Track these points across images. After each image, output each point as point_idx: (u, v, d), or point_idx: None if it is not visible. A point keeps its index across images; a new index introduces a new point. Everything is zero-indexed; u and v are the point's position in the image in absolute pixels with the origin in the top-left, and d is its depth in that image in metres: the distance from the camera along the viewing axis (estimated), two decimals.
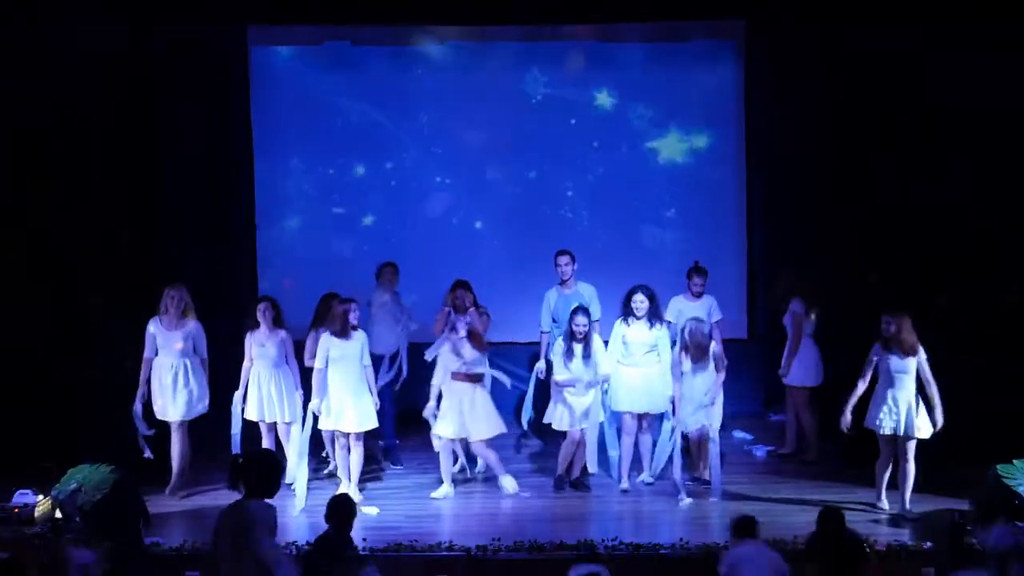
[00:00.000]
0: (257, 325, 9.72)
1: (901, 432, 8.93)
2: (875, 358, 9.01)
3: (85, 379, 10.39)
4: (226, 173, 11.37)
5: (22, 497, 8.99)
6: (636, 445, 9.85)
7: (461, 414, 9.46)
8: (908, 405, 8.90)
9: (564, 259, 10.36)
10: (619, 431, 9.88)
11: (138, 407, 9.67)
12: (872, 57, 10.61)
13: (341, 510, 7.11)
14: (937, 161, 10.53)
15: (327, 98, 11.97)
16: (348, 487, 9.41)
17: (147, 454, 9.70)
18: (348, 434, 9.47)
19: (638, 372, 9.70)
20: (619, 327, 9.78)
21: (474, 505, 9.52)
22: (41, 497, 9.02)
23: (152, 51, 10.76)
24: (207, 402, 9.83)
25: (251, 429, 9.88)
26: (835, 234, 10.89)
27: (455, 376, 9.50)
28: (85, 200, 10.64)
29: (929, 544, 8.20)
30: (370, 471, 10.19)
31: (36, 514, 8.90)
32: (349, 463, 9.51)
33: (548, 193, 12.08)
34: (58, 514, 8.89)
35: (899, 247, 10.65)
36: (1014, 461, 8.59)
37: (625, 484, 9.79)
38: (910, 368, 8.91)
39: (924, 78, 10.44)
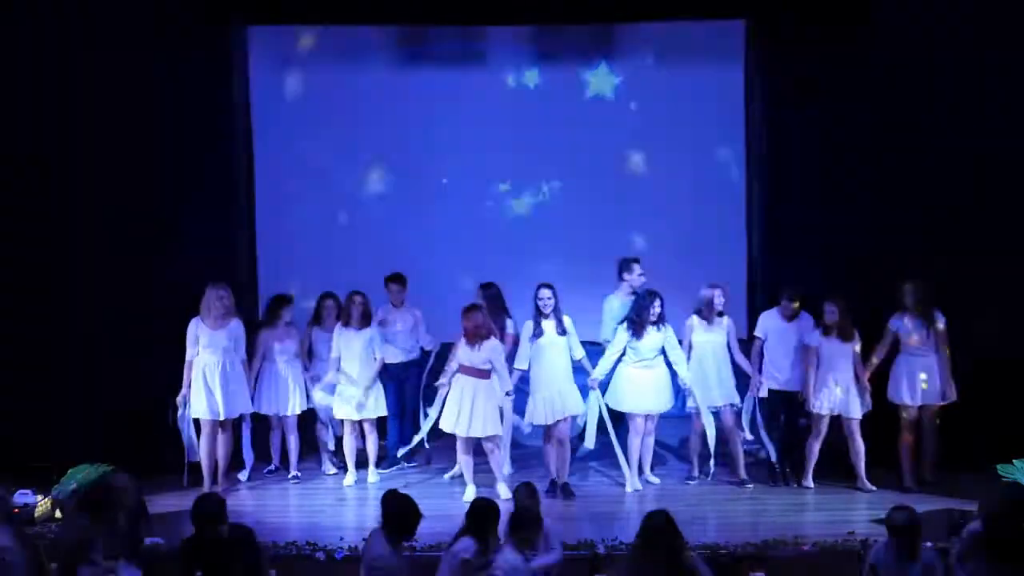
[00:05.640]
0: (273, 322, 10.15)
1: (839, 412, 9.70)
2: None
3: (85, 378, 10.39)
4: (226, 172, 11.35)
5: (22, 497, 8.99)
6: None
7: (460, 408, 9.55)
8: (846, 387, 9.66)
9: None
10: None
11: (183, 415, 9.81)
12: (874, 58, 10.60)
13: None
14: (939, 162, 10.51)
15: (328, 98, 11.95)
16: (369, 471, 10.18)
17: (192, 457, 9.87)
18: (358, 422, 10.03)
19: (645, 373, 9.84)
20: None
21: None
22: (41, 497, 9.02)
23: (150, 51, 10.73)
24: (250, 400, 10.04)
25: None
26: (836, 236, 10.86)
27: (463, 370, 9.63)
28: (85, 200, 10.62)
29: (930, 544, 8.19)
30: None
31: (36, 514, 8.90)
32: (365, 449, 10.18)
33: (547, 193, 12.07)
34: (58, 514, 8.90)
35: (901, 248, 10.64)
36: (1014, 461, 8.60)
37: (638, 484, 9.86)
38: (848, 353, 9.68)
39: (928, 79, 10.43)
